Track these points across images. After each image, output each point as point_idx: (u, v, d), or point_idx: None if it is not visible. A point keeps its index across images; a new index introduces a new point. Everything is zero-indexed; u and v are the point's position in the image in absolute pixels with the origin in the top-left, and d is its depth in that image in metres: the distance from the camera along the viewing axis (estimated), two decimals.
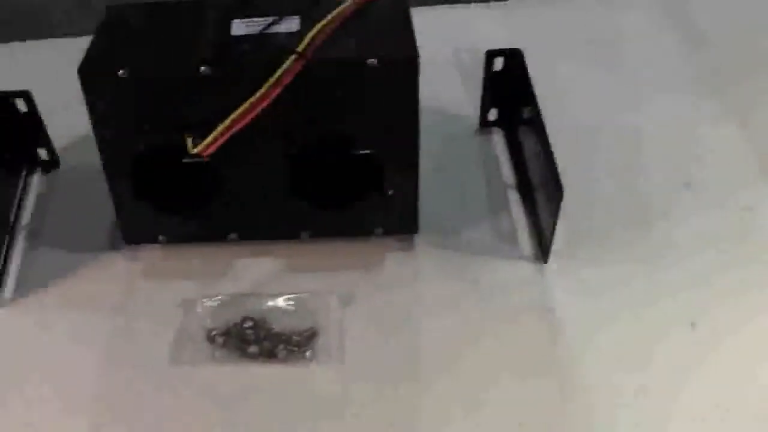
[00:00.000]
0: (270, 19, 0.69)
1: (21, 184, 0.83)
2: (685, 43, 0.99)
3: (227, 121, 0.63)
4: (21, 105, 0.79)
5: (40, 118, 0.81)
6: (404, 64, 0.65)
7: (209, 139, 0.64)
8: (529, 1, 1.06)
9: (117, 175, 0.70)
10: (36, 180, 0.84)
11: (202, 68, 0.64)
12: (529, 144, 0.80)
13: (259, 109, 0.63)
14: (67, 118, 0.82)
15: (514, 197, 0.80)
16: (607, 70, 0.96)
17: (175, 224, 0.73)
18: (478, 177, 0.82)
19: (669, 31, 1.02)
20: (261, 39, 0.67)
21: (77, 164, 0.85)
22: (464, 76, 0.93)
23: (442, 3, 1.04)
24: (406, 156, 0.69)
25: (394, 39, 0.67)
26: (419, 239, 0.76)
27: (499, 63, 0.82)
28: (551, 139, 0.72)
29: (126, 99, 0.66)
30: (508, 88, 0.82)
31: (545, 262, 0.74)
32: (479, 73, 0.84)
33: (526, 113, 0.80)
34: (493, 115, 0.86)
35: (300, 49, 0.64)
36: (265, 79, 0.63)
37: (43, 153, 0.84)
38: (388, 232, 0.75)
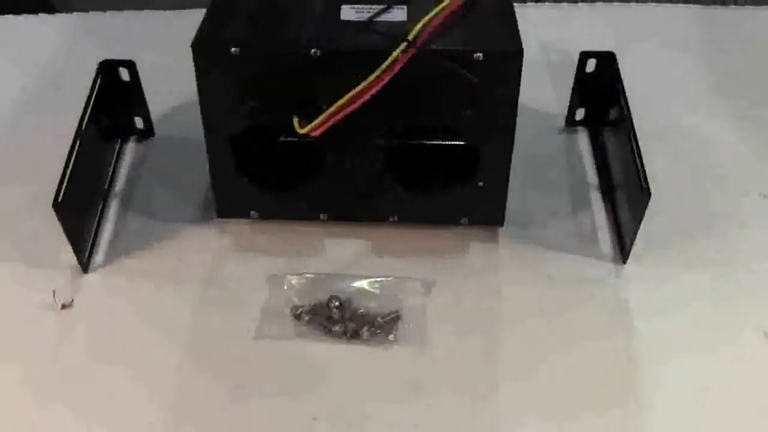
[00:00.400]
0: (378, 7, 0.69)
1: (116, 151, 0.84)
2: None
3: (337, 105, 0.64)
4: (124, 74, 0.80)
5: (142, 87, 0.82)
6: (509, 57, 0.65)
7: (319, 120, 0.65)
8: (618, 3, 1.06)
9: (218, 150, 0.71)
10: (130, 148, 0.86)
11: (313, 50, 0.65)
12: (613, 145, 0.81)
13: (369, 94, 0.64)
14: (162, 88, 0.85)
15: (595, 196, 0.81)
16: (697, 74, 0.96)
17: (268, 201, 0.74)
18: (561, 174, 0.83)
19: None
20: (369, 26, 0.68)
21: (170, 134, 0.86)
22: (552, 74, 0.94)
23: (534, 0, 1.05)
24: (501, 149, 0.70)
25: (500, 32, 0.68)
26: (501, 231, 0.77)
27: (591, 64, 0.82)
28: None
29: (235, 76, 0.67)
30: (598, 89, 0.83)
31: (624, 262, 0.74)
32: (567, 72, 0.84)
33: (614, 114, 0.80)
34: (579, 114, 0.87)
35: (410, 38, 0.64)
36: (373, 66, 0.64)
37: (138, 122, 0.85)
38: (474, 223, 0.76)
